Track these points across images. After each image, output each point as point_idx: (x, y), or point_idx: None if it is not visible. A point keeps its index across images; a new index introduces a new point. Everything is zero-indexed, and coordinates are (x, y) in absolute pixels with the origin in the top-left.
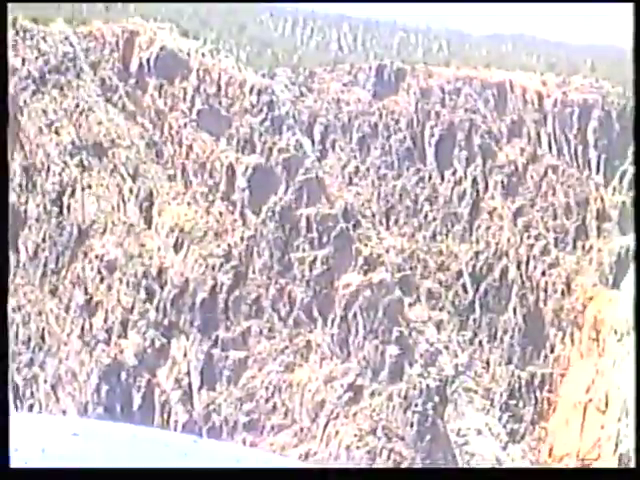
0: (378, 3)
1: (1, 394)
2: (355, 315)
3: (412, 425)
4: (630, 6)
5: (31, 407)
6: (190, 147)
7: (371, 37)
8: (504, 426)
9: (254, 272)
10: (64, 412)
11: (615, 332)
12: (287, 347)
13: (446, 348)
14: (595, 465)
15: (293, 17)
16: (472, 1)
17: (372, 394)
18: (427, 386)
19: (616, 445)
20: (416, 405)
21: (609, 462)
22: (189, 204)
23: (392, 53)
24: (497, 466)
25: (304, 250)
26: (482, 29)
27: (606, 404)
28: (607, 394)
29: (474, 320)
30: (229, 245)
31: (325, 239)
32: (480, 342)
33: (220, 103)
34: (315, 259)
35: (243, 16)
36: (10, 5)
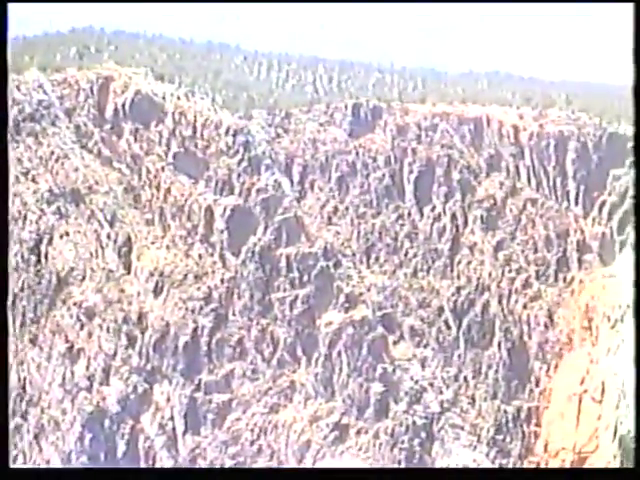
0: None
1: (1, 396)
2: (339, 353)
3: (400, 462)
4: (630, 6)
5: (15, 458)
6: (168, 190)
7: (347, 78)
8: (492, 462)
9: (235, 314)
10: (47, 462)
11: (608, 319)
12: (271, 388)
13: (431, 385)
14: (593, 457)
15: (268, 60)
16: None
17: (358, 432)
18: (413, 422)
19: (615, 433)
20: (402, 442)
21: (608, 451)
22: (168, 248)
23: (368, 93)
24: None
25: (285, 290)
26: (457, 67)
27: (602, 393)
28: (603, 382)
29: (458, 356)
30: (209, 287)
31: (306, 278)
32: (465, 378)
33: (196, 145)
34: (296, 298)
35: (218, 61)
36: None
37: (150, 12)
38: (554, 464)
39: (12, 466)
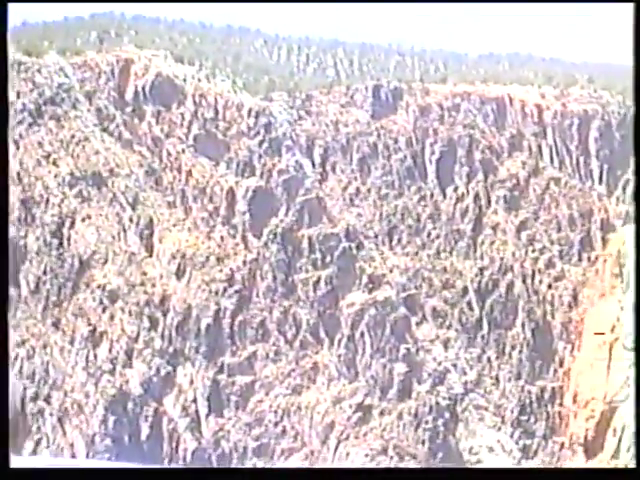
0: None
1: (1, 394)
2: (362, 334)
3: (423, 443)
4: (630, 6)
5: (38, 442)
6: (189, 173)
7: (367, 61)
8: (516, 442)
9: (258, 295)
10: (71, 445)
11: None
12: (294, 370)
13: (454, 366)
14: (624, 406)
15: (288, 44)
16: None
17: (381, 413)
18: (437, 403)
19: None
20: (426, 422)
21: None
22: (190, 230)
23: (389, 76)
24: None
25: (307, 271)
26: (478, 49)
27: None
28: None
29: (482, 337)
30: (231, 269)
31: (328, 259)
32: (489, 358)
33: (217, 127)
34: (319, 279)
35: (238, 45)
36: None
37: None
38: (583, 415)
39: (12, 466)
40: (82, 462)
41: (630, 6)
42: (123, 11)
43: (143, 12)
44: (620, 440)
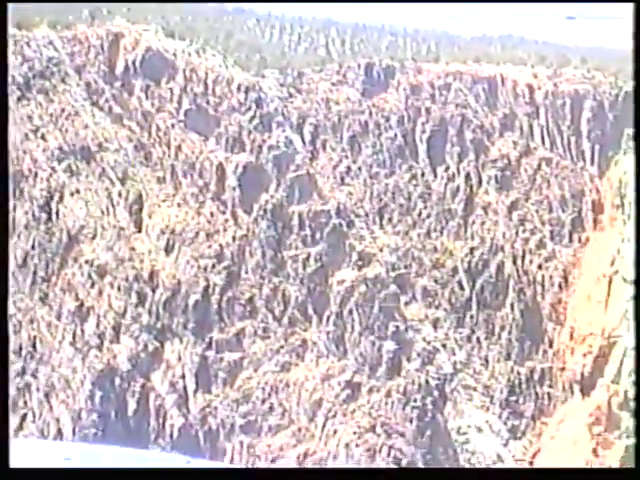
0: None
1: (0, 394)
2: (350, 311)
3: (412, 421)
4: (630, 6)
5: (24, 417)
6: (179, 148)
7: (359, 41)
8: (505, 423)
9: (247, 272)
10: (58, 420)
11: None
12: (282, 347)
13: (443, 346)
14: (621, 339)
15: (280, 23)
16: (461, 1)
17: (370, 391)
18: (426, 381)
19: None
20: (415, 400)
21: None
22: (179, 205)
23: (381, 55)
24: (499, 463)
25: (297, 248)
26: (470, 31)
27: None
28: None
29: (471, 317)
30: (221, 245)
31: (318, 236)
32: (478, 339)
33: (208, 102)
34: (308, 256)
35: (229, 23)
36: None
37: None
38: (581, 351)
39: (12, 466)
40: (68, 438)
41: (630, 6)
42: None
43: None
44: (621, 364)
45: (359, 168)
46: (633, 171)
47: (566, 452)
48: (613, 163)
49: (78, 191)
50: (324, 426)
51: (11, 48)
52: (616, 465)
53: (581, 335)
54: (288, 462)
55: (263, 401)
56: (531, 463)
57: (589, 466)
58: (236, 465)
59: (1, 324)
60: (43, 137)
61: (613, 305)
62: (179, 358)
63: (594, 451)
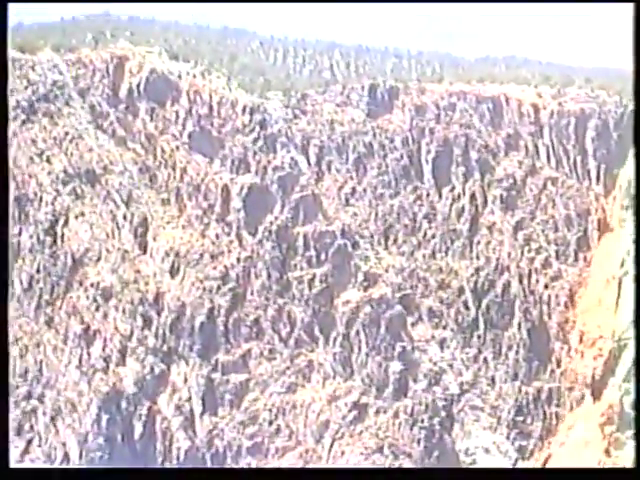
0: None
1: (1, 396)
2: (357, 332)
3: (419, 442)
4: (630, 6)
5: (30, 441)
6: (184, 170)
7: (363, 63)
8: (512, 443)
9: (252, 293)
10: (64, 444)
11: None
12: (289, 368)
13: (450, 366)
14: (632, 341)
15: (284, 46)
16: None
17: (377, 412)
18: (433, 401)
19: None
20: (422, 421)
21: None
22: (184, 227)
23: (385, 77)
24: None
25: (302, 269)
26: (474, 52)
27: None
28: None
29: (478, 337)
30: (226, 267)
31: (323, 256)
32: (485, 359)
33: (212, 124)
34: (314, 277)
35: (234, 46)
36: None
37: None
38: (590, 354)
39: (12, 466)
40: (75, 462)
41: (630, 6)
42: (118, 12)
43: (138, 13)
44: (634, 363)
45: (364, 189)
46: (633, 171)
47: (577, 455)
48: (621, 165)
49: (83, 214)
50: (331, 447)
51: (15, 72)
52: (629, 465)
53: (591, 338)
54: None
55: (270, 423)
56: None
57: (602, 466)
58: None
59: (1, 328)
60: (48, 160)
61: (623, 307)
62: (185, 380)
63: (606, 451)
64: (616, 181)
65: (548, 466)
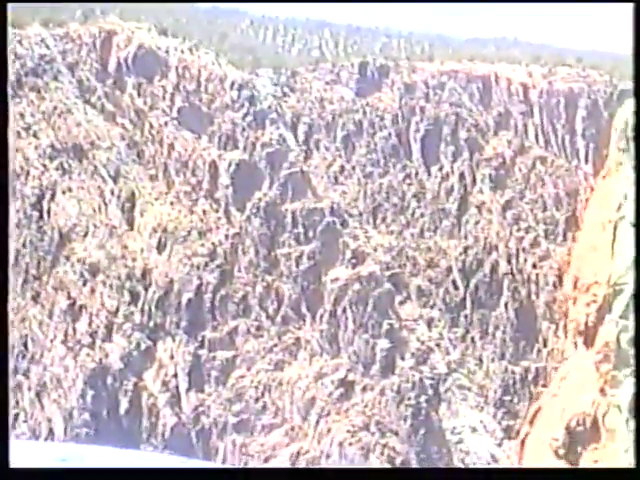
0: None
1: (1, 395)
2: (344, 310)
3: (406, 419)
4: (630, 6)
5: (16, 416)
6: (171, 146)
7: (353, 42)
8: (499, 423)
9: (240, 270)
10: (49, 420)
11: None
12: (276, 345)
13: (438, 346)
14: (627, 287)
15: (274, 25)
16: (456, 1)
17: (364, 389)
18: (420, 380)
19: None
20: (409, 399)
21: None
22: (172, 204)
23: (375, 56)
24: (492, 463)
25: (290, 246)
26: (464, 33)
27: None
28: None
29: (465, 316)
30: (214, 244)
31: (311, 234)
32: (472, 338)
33: (201, 100)
34: (302, 254)
35: (223, 25)
36: None
37: None
38: (584, 300)
39: (12, 466)
40: (60, 437)
41: (630, 6)
42: None
43: None
44: (631, 299)
45: (353, 167)
46: (633, 169)
47: (571, 399)
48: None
49: (70, 189)
50: (317, 425)
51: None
52: (625, 404)
53: (585, 284)
54: (281, 461)
55: (256, 400)
56: (531, 423)
57: (596, 406)
58: (228, 464)
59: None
60: (35, 135)
61: (619, 252)
62: (172, 357)
63: (601, 390)
64: (613, 120)
65: (537, 420)
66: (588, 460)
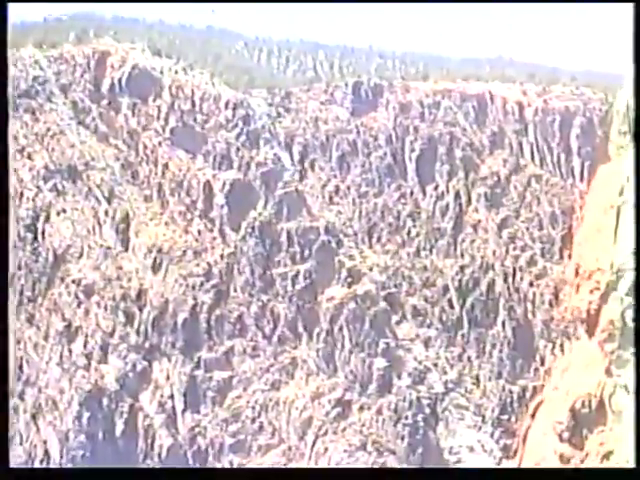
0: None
1: (0, 395)
2: (341, 329)
3: (403, 438)
4: (630, 6)
5: (11, 439)
6: (166, 166)
7: (348, 64)
8: (497, 442)
9: (235, 290)
10: (44, 442)
11: None
12: (272, 365)
13: (435, 365)
14: (630, 273)
15: (268, 46)
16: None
17: (361, 408)
18: (417, 398)
19: None
20: (406, 418)
21: None
22: (167, 224)
23: (369, 75)
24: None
25: (286, 265)
26: (459, 53)
27: None
28: None
29: (462, 335)
30: (209, 263)
31: (307, 253)
32: (469, 358)
33: (195, 120)
34: (297, 274)
35: (218, 46)
36: None
37: None
38: (587, 287)
39: (12, 466)
40: (56, 460)
41: (630, 6)
42: (102, 12)
43: (122, 13)
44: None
45: (348, 187)
46: (633, 171)
47: (575, 382)
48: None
49: (64, 210)
50: (314, 444)
51: None
52: (631, 384)
53: (587, 270)
54: None
55: (253, 420)
56: (533, 416)
57: (602, 387)
58: None
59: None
60: (29, 156)
61: (622, 237)
62: (167, 377)
63: (607, 371)
64: (613, 104)
65: (539, 413)
66: (594, 443)
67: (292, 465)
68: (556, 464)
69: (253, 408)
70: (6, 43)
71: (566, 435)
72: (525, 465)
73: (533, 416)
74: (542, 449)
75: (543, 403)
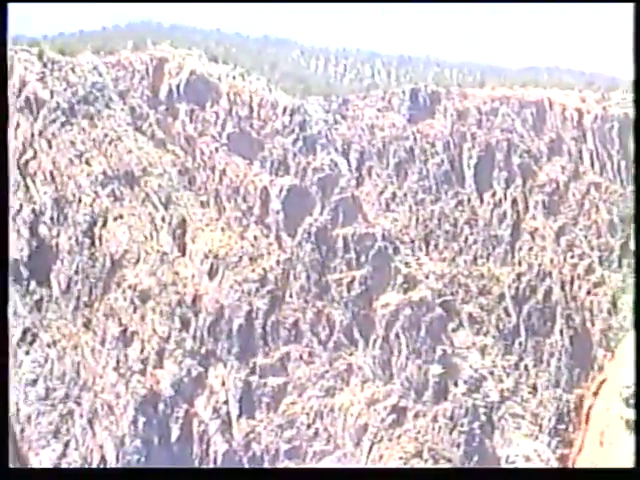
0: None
1: (1, 395)
2: (397, 335)
3: (459, 446)
4: (630, 6)
5: (67, 443)
6: (223, 172)
7: (405, 72)
8: (553, 452)
9: (291, 296)
10: (101, 447)
11: None
12: (327, 371)
13: (491, 374)
14: None
15: (325, 55)
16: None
17: (416, 415)
18: (473, 406)
19: None
20: (462, 425)
21: None
22: (223, 229)
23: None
24: None
25: (341, 271)
26: (516, 63)
27: None
28: None
29: (519, 344)
30: (264, 269)
31: (363, 259)
32: (526, 366)
33: (252, 125)
34: (353, 280)
35: (274, 54)
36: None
37: (207, 7)
38: None
39: (12, 466)
40: (112, 464)
41: (630, 6)
42: (160, 20)
43: (180, 21)
44: None
45: (404, 194)
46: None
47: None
48: None
49: (122, 216)
50: (370, 451)
51: (55, 74)
52: None
53: None
54: None
55: (308, 426)
56: (595, 394)
57: None
58: None
59: (2, 324)
60: (87, 162)
61: None
62: (223, 383)
63: None
64: None
65: (601, 391)
66: None
67: None
68: (622, 430)
69: (308, 414)
70: (6, 43)
71: (632, 401)
72: (589, 437)
73: (596, 394)
74: (605, 424)
75: (606, 381)
